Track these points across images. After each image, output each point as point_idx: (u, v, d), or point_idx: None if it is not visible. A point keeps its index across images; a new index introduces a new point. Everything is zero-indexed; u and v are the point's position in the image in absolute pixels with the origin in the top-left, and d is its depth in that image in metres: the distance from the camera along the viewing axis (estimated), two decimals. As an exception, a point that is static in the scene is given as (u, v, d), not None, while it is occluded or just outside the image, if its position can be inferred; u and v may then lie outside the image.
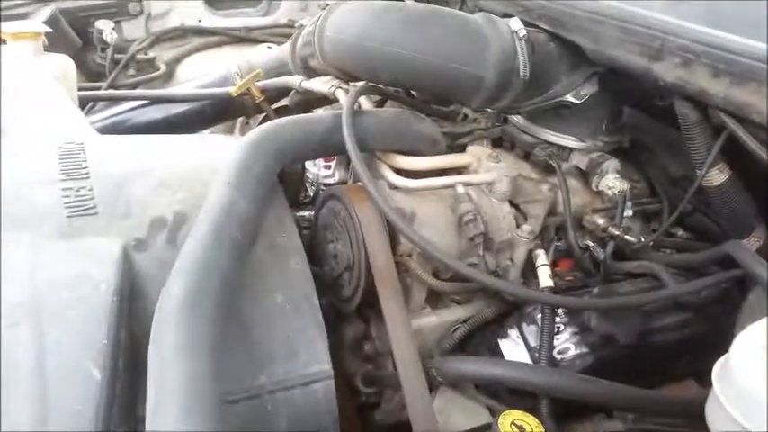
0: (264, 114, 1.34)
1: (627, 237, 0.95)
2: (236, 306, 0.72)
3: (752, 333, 0.53)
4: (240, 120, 1.51)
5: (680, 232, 1.03)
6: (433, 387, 0.88)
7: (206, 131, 1.42)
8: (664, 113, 0.88)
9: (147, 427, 0.53)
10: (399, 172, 0.99)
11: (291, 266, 0.80)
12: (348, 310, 0.96)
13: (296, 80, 1.16)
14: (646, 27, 0.80)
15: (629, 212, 0.99)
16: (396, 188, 0.98)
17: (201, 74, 1.47)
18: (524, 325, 0.91)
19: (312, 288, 0.80)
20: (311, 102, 1.28)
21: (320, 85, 1.10)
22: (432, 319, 0.95)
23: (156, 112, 1.37)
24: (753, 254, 0.78)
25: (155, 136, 1.07)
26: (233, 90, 1.24)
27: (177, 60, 1.97)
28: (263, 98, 1.27)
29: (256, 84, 1.26)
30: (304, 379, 0.73)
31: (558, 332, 0.88)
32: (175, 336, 0.59)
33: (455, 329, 0.93)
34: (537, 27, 0.97)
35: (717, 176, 0.84)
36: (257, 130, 0.89)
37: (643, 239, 0.94)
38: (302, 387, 0.73)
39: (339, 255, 0.95)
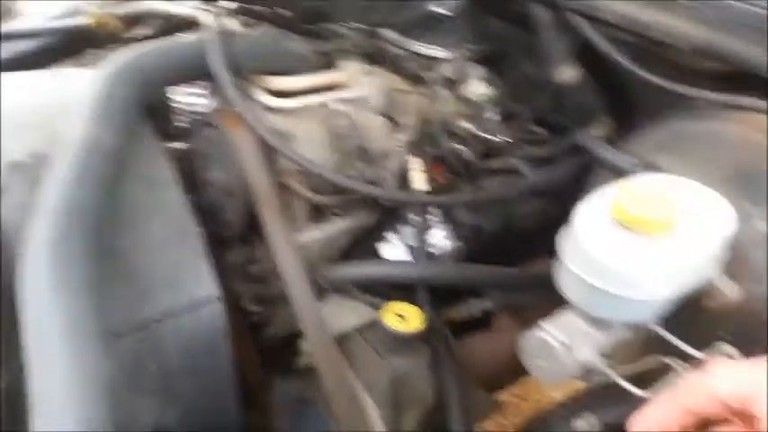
0: (125, 44, 1.26)
1: (491, 137, 1.01)
2: (110, 241, 0.71)
3: (590, 200, 0.60)
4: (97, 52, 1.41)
5: (538, 129, 1.12)
6: (320, 295, 0.92)
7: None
8: (521, 20, 0.93)
9: (30, 371, 0.52)
10: (273, 93, 0.99)
11: (166, 197, 0.80)
12: (232, 235, 0.96)
13: (157, 5, 1.10)
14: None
15: (492, 115, 1.05)
16: (270, 109, 0.97)
17: (47, 4, 1.35)
18: (401, 227, 0.96)
19: (190, 216, 0.80)
20: (176, 27, 1.21)
21: (183, 8, 1.05)
22: (315, 234, 0.97)
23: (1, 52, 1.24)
24: (597, 140, 0.87)
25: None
26: (88, 20, 1.15)
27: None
28: (121, 27, 1.19)
29: (112, 11, 1.18)
30: (191, 305, 0.74)
31: (432, 229, 0.95)
32: (47, 277, 0.57)
33: (338, 240, 0.97)
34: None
35: (567, 73, 0.91)
36: (116, 60, 0.85)
37: (505, 138, 1.01)
38: (190, 313, 0.74)
39: (217, 181, 0.94)
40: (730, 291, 0.64)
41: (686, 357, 0.58)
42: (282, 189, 0.93)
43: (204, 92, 1.21)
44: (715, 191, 0.60)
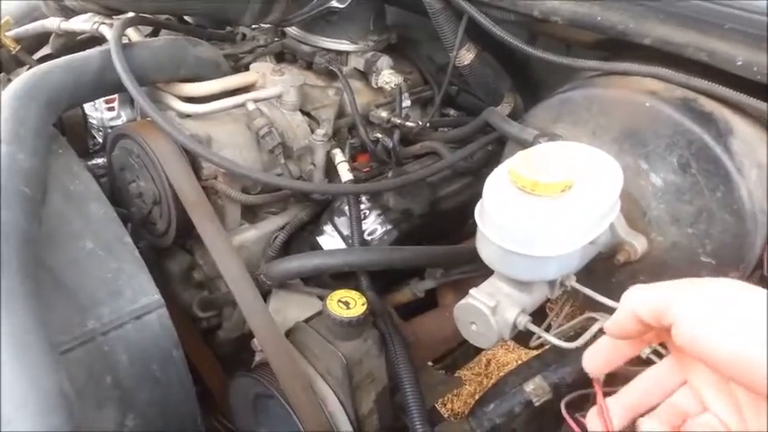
0: (27, 66, 1.23)
1: (408, 123, 1.06)
2: (44, 260, 0.71)
3: (496, 171, 0.66)
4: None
5: (451, 111, 1.19)
6: (265, 293, 0.95)
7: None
8: (420, 7, 0.97)
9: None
10: (187, 100, 0.99)
11: (93, 212, 0.80)
12: (167, 244, 0.97)
13: (54, 22, 1.08)
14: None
15: (407, 102, 1.10)
16: (186, 116, 0.98)
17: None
18: (336, 218, 1.00)
19: (121, 228, 0.81)
20: (77, 45, 1.19)
21: (82, 23, 1.03)
22: (251, 233, 1.00)
23: None
24: (503, 116, 0.93)
25: None
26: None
27: None
28: (18, 48, 1.16)
29: (7, 33, 1.14)
30: (135, 313, 0.76)
31: (365, 217, 0.99)
32: None
33: (275, 237, 1.00)
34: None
35: (466, 56, 0.97)
36: (20, 80, 0.83)
37: (421, 123, 1.06)
38: (135, 321, 0.75)
39: (144, 192, 0.95)
40: (638, 244, 0.73)
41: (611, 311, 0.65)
42: (211, 193, 0.95)
43: (118, 105, 1.21)
44: (607, 152, 0.67)
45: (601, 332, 0.54)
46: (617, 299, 0.47)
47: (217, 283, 1.01)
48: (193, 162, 0.93)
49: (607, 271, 0.75)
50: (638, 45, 0.74)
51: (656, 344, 0.48)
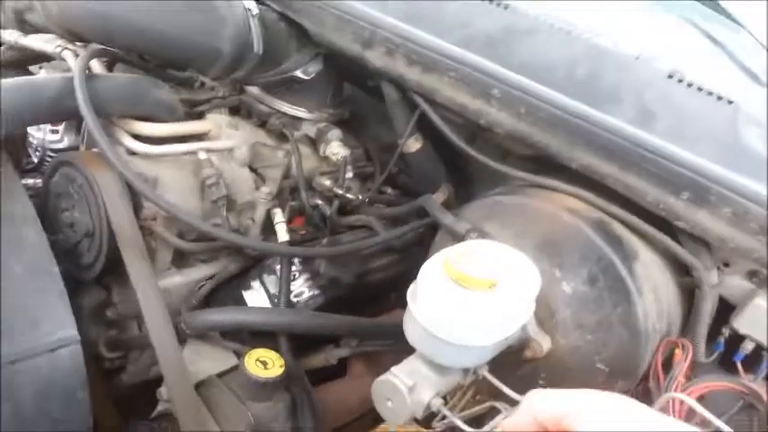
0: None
1: (348, 195, 1.11)
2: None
3: (433, 259, 0.71)
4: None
5: (389, 190, 1.25)
6: (181, 341, 0.94)
7: None
8: (377, 91, 1.05)
9: None
10: (138, 138, 1.00)
11: (26, 236, 0.78)
12: (89, 278, 0.95)
13: (12, 35, 1.07)
14: (358, 18, 0.95)
15: (349, 174, 1.16)
16: (134, 154, 0.98)
17: None
18: (265, 276, 1.02)
19: (50, 257, 0.79)
20: (26, 59, 1.18)
21: (42, 43, 1.03)
22: (178, 279, 1.00)
23: None
24: (438, 205, 1.00)
25: None
26: None
27: None
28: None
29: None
30: (49, 346, 0.73)
31: (294, 279, 1.02)
32: None
33: (201, 286, 1.00)
34: (268, 6, 1.06)
35: (413, 144, 1.05)
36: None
37: (360, 197, 1.12)
38: (48, 354, 0.73)
39: (76, 222, 0.93)
40: (544, 342, 0.79)
41: (513, 402, 0.70)
42: (146, 233, 0.95)
43: (63, 129, 1.19)
44: (528, 256, 0.74)
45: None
46: (520, 390, 0.52)
47: (128, 324, 0.99)
48: (134, 200, 0.93)
49: (513, 364, 0.81)
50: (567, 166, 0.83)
51: None
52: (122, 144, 0.99)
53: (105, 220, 0.89)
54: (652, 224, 0.79)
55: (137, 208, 0.93)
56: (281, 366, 0.85)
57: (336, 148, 1.16)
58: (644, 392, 0.82)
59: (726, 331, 0.82)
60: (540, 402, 0.49)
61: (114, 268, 0.91)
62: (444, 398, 0.83)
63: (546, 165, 0.91)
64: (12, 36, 1.07)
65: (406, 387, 0.68)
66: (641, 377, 0.80)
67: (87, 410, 0.77)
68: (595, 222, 0.80)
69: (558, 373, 0.81)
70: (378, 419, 0.95)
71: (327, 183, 1.14)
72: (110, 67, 1.19)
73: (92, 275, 0.94)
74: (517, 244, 0.82)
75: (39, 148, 1.16)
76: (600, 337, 0.78)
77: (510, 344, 0.76)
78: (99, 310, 0.99)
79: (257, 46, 1.00)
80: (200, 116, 1.13)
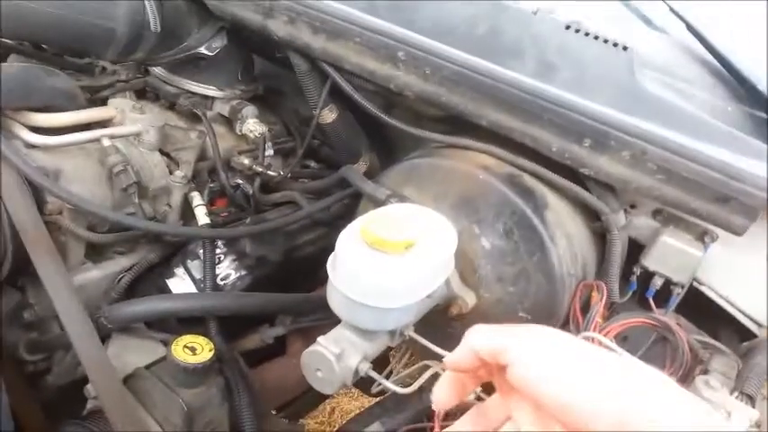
0: None
1: (269, 172, 1.10)
2: None
3: (350, 227, 0.71)
4: None
5: (312, 164, 1.24)
6: (105, 336, 0.91)
7: None
8: (288, 62, 1.03)
9: None
10: (36, 130, 0.95)
11: None
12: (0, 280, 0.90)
13: None
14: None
15: (270, 151, 1.14)
16: (33, 146, 0.93)
17: None
18: (188, 261, 0.99)
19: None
20: None
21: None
22: (94, 273, 0.96)
23: None
24: (359, 174, 1.00)
25: None
26: None
27: None
28: None
29: None
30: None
31: (220, 261, 0.99)
32: None
33: (120, 278, 0.97)
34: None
35: (328, 115, 1.03)
36: None
37: (282, 173, 1.10)
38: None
39: (-24, 223, 0.88)
40: (468, 298, 0.81)
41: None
42: (54, 229, 0.90)
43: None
44: (447, 216, 0.75)
45: (433, 378, 0.60)
46: (450, 348, 0.53)
47: (49, 325, 0.95)
48: (37, 195, 0.88)
49: (442, 322, 0.83)
50: (477, 124, 0.84)
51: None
52: (19, 137, 0.93)
53: (6, 219, 0.84)
54: (559, 173, 0.82)
55: (40, 203, 0.88)
56: (210, 350, 0.84)
57: (253, 126, 1.13)
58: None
59: (637, 270, 0.86)
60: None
61: (25, 268, 0.86)
62: (387, 362, 0.84)
63: (458, 125, 0.92)
64: None
65: (333, 355, 0.68)
66: (562, 321, 0.83)
67: (8, 416, 0.74)
68: (507, 177, 0.82)
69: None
70: (323, 395, 0.96)
71: (247, 161, 1.11)
72: (3, 60, 1.12)
73: (1, 277, 0.89)
74: (435, 205, 0.83)
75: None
76: (520, 287, 0.81)
77: (436, 303, 0.78)
78: (16, 312, 0.94)
79: (154, 24, 0.95)
80: (103, 103, 1.08)
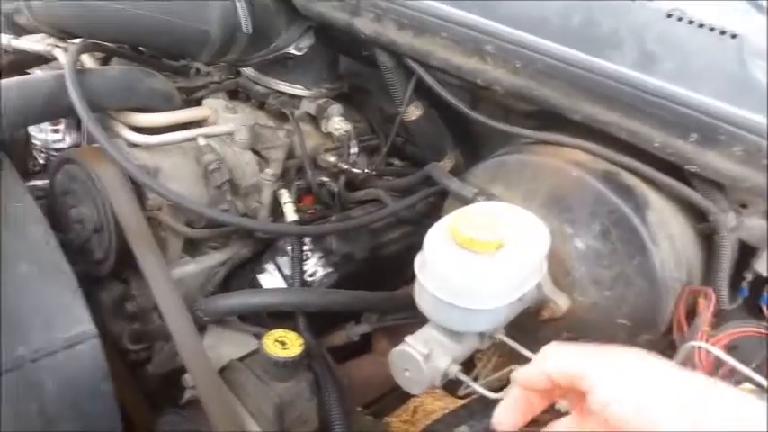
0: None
1: (354, 170, 1.10)
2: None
3: (437, 226, 0.70)
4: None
5: (396, 161, 1.24)
6: (201, 328, 0.95)
7: None
8: (373, 61, 1.03)
9: None
10: (137, 130, 1.00)
11: (32, 235, 0.79)
12: (103, 273, 0.96)
13: (3, 39, 1.07)
14: (342, -15, 0.92)
15: (354, 149, 1.15)
16: (135, 146, 0.98)
17: None
18: (278, 258, 1.02)
19: (59, 254, 0.80)
20: (25, 62, 1.18)
21: (33, 43, 1.03)
22: (191, 267, 1.00)
23: None
24: (445, 172, 0.98)
25: None
26: None
27: None
28: (-39, 61, 1.13)
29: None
30: (67, 342, 0.74)
31: (307, 258, 1.01)
32: None
33: (215, 273, 1.00)
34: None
35: (413, 112, 1.02)
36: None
37: (367, 170, 1.10)
38: (66, 350, 0.74)
39: (84, 219, 0.94)
40: (561, 302, 0.78)
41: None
42: (154, 224, 0.95)
43: (63, 128, 1.19)
44: (537, 215, 0.72)
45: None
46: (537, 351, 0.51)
47: (150, 316, 1.00)
48: (139, 192, 0.93)
49: (532, 325, 0.80)
50: (570, 119, 0.81)
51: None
52: (121, 137, 0.98)
53: (111, 215, 0.89)
54: (662, 170, 0.77)
55: (141, 199, 0.93)
56: (299, 345, 0.85)
57: (338, 124, 1.14)
58: (670, 345, 0.81)
59: (748, 275, 0.79)
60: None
61: (128, 261, 0.91)
62: (473, 364, 0.83)
63: (550, 120, 0.89)
64: (4, 40, 1.07)
65: (422, 355, 0.68)
66: (665, 329, 0.79)
67: (113, 402, 0.78)
68: (603, 174, 0.78)
69: (579, 331, 0.80)
70: (408, 394, 0.96)
71: (332, 159, 1.13)
72: (105, 63, 1.19)
73: (105, 270, 0.95)
74: (525, 203, 0.81)
75: (43, 150, 1.17)
76: (618, 291, 0.77)
77: (526, 305, 0.75)
78: (119, 304, 1.00)
79: (245, 25, 0.98)
80: (198, 103, 1.12)
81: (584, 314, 0.78)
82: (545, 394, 0.50)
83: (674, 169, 0.76)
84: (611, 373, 0.44)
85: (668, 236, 0.76)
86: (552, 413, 0.54)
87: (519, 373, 0.50)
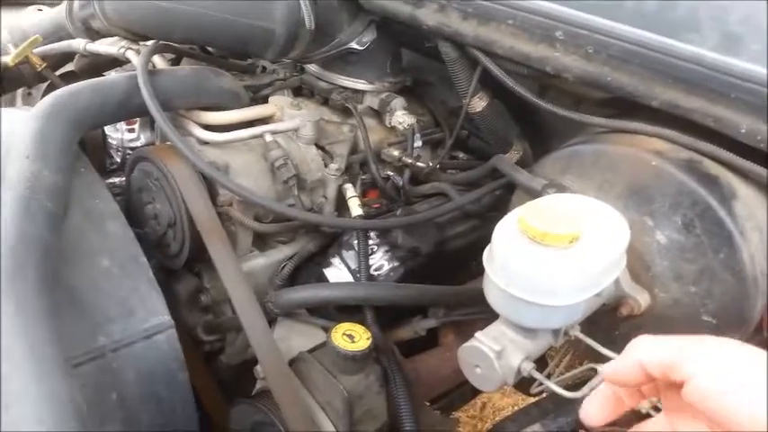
0: (48, 82, 1.26)
1: (418, 163, 1.09)
2: (60, 275, 0.72)
3: (507, 218, 0.68)
4: (20, 91, 1.40)
5: (461, 154, 1.22)
6: (271, 320, 0.96)
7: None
8: (436, 53, 1.02)
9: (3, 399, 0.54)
10: (207, 128, 1.02)
11: (111, 230, 0.82)
12: (178, 266, 0.99)
13: (79, 43, 1.12)
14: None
15: (418, 143, 1.14)
16: (205, 143, 1.01)
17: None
18: (344, 252, 1.02)
19: (137, 248, 0.83)
20: (100, 65, 1.23)
21: (108, 47, 1.07)
22: (261, 261, 1.02)
23: None
24: (512, 164, 0.96)
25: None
26: (9, 59, 1.14)
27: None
28: (44, 65, 1.19)
29: (34, 51, 1.18)
30: (145, 333, 0.77)
31: (373, 252, 1.01)
32: (4, 309, 0.59)
33: (283, 266, 1.02)
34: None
35: (478, 104, 1.00)
36: (50, 99, 0.86)
37: (431, 164, 1.09)
38: (145, 340, 0.77)
39: (159, 214, 0.97)
40: (641, 298, 0.74)
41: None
42: (225, 219, 0.97)
43: (138, 127, 1.24)
44: (614, 206, 0.69)
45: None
46: (618, 351, 0.48)
47: (222, 308, 1.03)
48: (210, 188, 0.95)
49: (610, 323, 0.77)
50: (646, 105, 0.77)
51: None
52: (193, 134, 1.01)
53: (184, 210, 0.92)
54: (749, 158, 0.72)
55: (213, 195, 0.95)
56: (367, 339, 0.85)
57: (401, 117, 1.13)
58: (759, 345, 0.76)
59: None
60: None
61: (201, 255, 0.94)
62: (546, 362, 0.81)
63: (624, 107, 0.85)
64: (80, 44, 1.12)
65: (494, 352, 0.66)
66: (754, 327, 0.74)
67: (189, 391, 0.81)
68: (685, 163, 0.74)
69: (659, 329, 0.74)
70: (476, 389, 0.94)
71: (396, 153, 1.12)
72: (176, 64, 1.23)
73: (179, 264, 0.98)
74: (600, 195, 0.77)
75: (119, 148, 1.22)
76: (703, 287, 0.72)
77: (603, 302, 0.72)
78: (193, 296, 1.03)
79: (309, 22, 0.99)
80: (264, 101, 1.14)
81: (666, 311, 0.75)
82: (633, 391, 0.48)
83: (762, 157, 0.71)
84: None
85: (758, 228, 0.72)
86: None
87: (607, 367, 0.47)
